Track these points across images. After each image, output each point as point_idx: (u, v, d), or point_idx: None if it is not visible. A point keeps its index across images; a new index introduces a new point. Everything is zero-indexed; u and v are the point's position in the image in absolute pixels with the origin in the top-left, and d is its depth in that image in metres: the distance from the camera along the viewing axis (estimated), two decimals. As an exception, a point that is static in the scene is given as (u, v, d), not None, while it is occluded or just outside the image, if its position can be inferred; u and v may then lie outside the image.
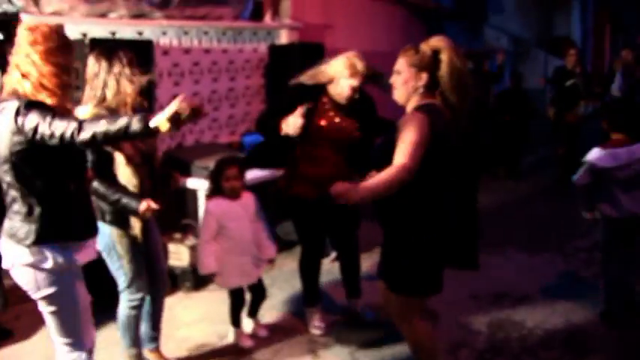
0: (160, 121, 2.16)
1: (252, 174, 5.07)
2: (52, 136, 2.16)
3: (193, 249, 4.66)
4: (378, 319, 3.93)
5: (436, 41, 2.70)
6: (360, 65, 3.57)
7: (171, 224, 4.80)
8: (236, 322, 3.79)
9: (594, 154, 3.77)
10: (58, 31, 2.40)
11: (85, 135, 2.14)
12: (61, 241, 2.39)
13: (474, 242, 2.85)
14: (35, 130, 2.17)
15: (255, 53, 6.35)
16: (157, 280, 3.37)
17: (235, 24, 6.06)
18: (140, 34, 4.94)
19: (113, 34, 4.71)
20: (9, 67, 2.35)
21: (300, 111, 3.47)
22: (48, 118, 2.17)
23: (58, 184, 2.36)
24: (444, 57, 2.65)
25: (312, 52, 6.36)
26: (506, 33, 14.50)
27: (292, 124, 3.47)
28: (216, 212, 3.58)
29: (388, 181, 2.48)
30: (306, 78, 3.66)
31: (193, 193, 4.93)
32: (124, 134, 2.17)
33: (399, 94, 2.76)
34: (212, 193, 3.65)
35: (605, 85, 8.81)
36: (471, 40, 12.84)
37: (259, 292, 3.85)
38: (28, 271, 2.37)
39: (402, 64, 2.73)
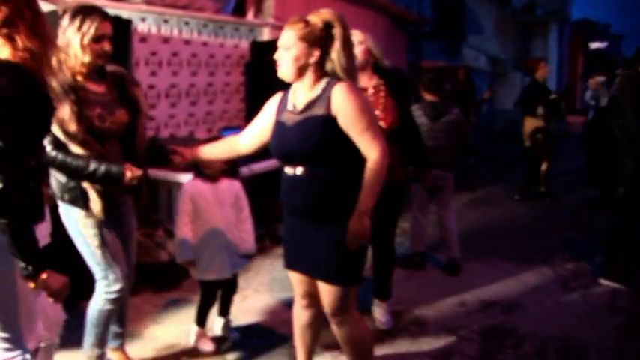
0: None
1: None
2: None
3: (164, 245, 4.38)
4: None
5: (328, 14, 2.45)
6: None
7: (142, 219, 4.49)
8: (201, 320, 3.48)
9: None
10: None
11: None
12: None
13: None
14: None
15: (236, 49, 6.12)
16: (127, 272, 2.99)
17: (217, 17, 5.83)
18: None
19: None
20: None
21: None
22: None
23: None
24: (337, 32, 2.42)
25: (296, 51, 6.13)
26: (484, 53, 14.55)
27: None
28: (190, 192, 3.39)
29: (379, 178, 2.39)
30: None
31: (167, 188, 4.65)
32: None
33: (286, 72, 2.46)
34: (195, 174, 3.50)
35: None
36: (451, 58, 12.85)
37: (230, 286, 3.55)
38: None
39: (290, 38, 2.41)
